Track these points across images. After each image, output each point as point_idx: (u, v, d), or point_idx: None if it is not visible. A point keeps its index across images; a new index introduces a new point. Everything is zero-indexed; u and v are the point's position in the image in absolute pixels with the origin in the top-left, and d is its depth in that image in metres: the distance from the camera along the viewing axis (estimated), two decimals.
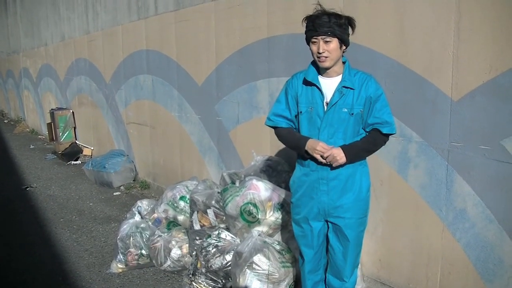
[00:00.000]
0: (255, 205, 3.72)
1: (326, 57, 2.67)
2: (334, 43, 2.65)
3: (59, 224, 5.78)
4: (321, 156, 2.73)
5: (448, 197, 3.09)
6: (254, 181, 3.83)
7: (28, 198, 6.99)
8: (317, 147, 2.72)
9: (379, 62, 3.41)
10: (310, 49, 2.75)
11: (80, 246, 5.06)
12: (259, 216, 3.72)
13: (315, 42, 2.68)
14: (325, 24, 2.61)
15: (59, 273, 4.42)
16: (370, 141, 2.82)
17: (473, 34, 2.84)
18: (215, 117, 5.37)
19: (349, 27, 2.73)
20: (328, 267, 3.10)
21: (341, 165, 2.76)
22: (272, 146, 4.52)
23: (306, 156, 2.82)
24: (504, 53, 2.69)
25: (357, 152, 2.79)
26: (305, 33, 2.74)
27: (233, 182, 4.12)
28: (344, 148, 2.73)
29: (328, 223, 2.95)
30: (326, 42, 2.65)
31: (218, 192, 4.11)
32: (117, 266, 4.45)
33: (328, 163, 2.74)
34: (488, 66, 2.77)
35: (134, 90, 7.35)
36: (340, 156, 2.70)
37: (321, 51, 2.65)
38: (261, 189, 3.77)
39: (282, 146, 4.30)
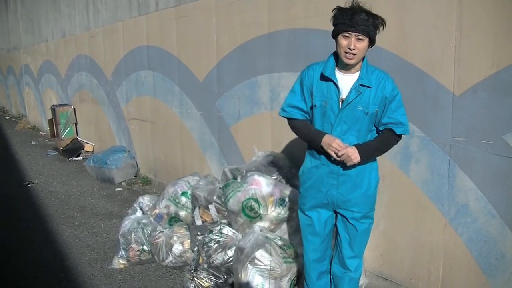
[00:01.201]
0: (256, 201, 3.72)
1: (354, 54, 2.62)
2: (366, 42, 2.61)
3: (60, 220, 5.78)
4: (335, 154, 2.71)
5: (450, 192, 3.09)
6: (256, 177, 3.83)
7: (30, 195, 7.00)
8: (333, 144, 2.70)
9: (381, 56, 3.40)
10: (337, 41, 2.67)
11: (81, 242, 5.07)
12: (261, 212, 3.72)
13: (347, 36, 2.60)
14: (363, 22, 2.56)
15: (60, 269, 4.42)
16: (383, 142, 2.82)
17: (475, 29, 2.83)
18: (216, 112, 5.36)
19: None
20: (334, 257, 3.14)
21: (354, 165, 2.76)
22: (273, 141, 4.51)
23: (320, 150, 2.80)
24: (506, 48, 2.69)
25: (372, 152, 2.80)
26: (336, 24, 2.65)
27: (235, 178, 4.12)
28: (358, 147, 2.71)
29: (338, 214, 2.98)
30: (359, 39, 2.59)
31: (220, 188, 4.11)
32: (119, 262, 4.46)
33: (342, 161, 2.73)
34: (490, 61, 2.76)
35: (135, 86, 7.35)
36: (354, 156, 2.68)
37: (352, 47, 2.59)
38: (263, 185, 3.77)
39: (283, 141, 4.30)
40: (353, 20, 2.55)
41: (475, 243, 2.99)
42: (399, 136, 2.85)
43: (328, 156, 2.78)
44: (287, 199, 3.73)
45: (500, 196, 2.83)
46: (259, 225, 3.74)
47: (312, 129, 2.86)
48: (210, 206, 4.11)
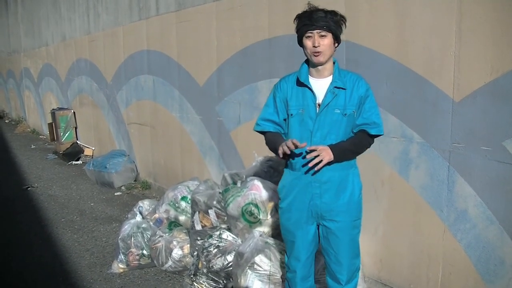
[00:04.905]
0: (256, 206, 3.72)
1: (321, 51, 2.65)
2: (329, 38, 2.65)
3: (60, 224, 5.78)
4: (306, 152, 2.67)
5: (449, 198, 3.09)
6: (256, 182, 3.84)
7: (29, 198, 7.00)
8: (288, 143, 2.61)
9: (380, 62, 3.42)
10: (303, 45, 2.74)
11: (81, 246, 5.07)
12: (261, 217, 3.72)
13: (310, 36, 2.67)
14: (321, 19, 2.62)
15: (60, 273, 4.42)
16: (356, 143, 2.78)
17: (474, 35, 2.85)
18: (216, 117, 5.37)
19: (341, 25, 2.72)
20: (326, 270, 3.01)
21: (328, 164, 2.68)
22: None
23: (281, 157, 2.73)
24: (506, 54, 2.70)
25: (344, 152, 2.73)
26: (298, 29, 2.73)
27: (235, 183, 4.12)
28: (331, 147, 2.68)
29: (321, 226, 2.88)
30: (322, 36, 2.64)
31: (220, 193, 4.11)
32: (118, 266, 4.46)
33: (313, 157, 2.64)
34: (489, 67, 2.77)
35: (135, 90, 7.36)
36: (327, 152, 2.64)
37: (316, 44, 2.64)
38: (263, 190, 3.77)
39: None
40: (312, 19, 2.64)
41: (474, 249, 2.99)
42: (372, 138, 2.83)
43: (304, 164, 2.74)
44: None
45: (499, 202, 2.83)
46: (258, 230, 3.74)
47: (277, 137, 2.84)
48: (209, 211, 4.11)
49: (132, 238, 4.53)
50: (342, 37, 3.61)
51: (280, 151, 2.66)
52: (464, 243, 3.04)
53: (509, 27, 2.68)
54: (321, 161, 2.64)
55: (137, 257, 4.47)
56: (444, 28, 3.00)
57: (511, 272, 2.81)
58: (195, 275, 3.93)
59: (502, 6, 2.71)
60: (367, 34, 3.51)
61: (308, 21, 2.65)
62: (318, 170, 2.70)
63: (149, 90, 6.89)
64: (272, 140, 2.87)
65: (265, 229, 3.74)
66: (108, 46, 8.27)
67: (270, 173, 4.14)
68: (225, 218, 4.01)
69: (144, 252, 4.49)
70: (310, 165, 2.68)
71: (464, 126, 2.96)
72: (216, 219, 4.08)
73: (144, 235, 4.57)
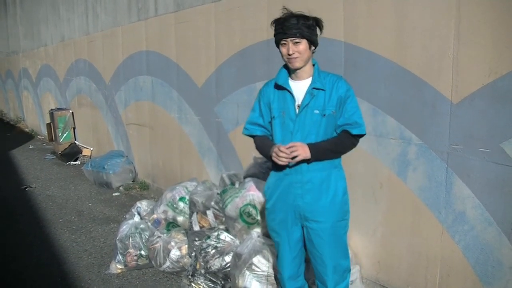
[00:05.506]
0: (254, 207, 3.73)
1: (296, 57, 2.70)
2: (303, 44, 2.69)
3: (58, 225, 5.78)
4: (278, 151, 2.70)
5: (448, 200, 3.10)
6: (254, 183, 3.84)
7: (27, 199, 6.99)
8: (275, 149, 2.72)
9: (379, 64, 3.42)
10: (280, 51, 2.77)
11: (79, 247, 5.06)
12: (259, 218, 3.72)
13: (284, 44, 2.71)
14: (293, 26, 2.65)
15: (58, 273, 4.42)
16: (337, 142, 2.80)
17: (473, 37, 2.85)
18: (214, 118, 5.37)
19: (317, 27, 2.76)
20: (315, 273, 3.00)
21: (306, 161, 2.73)
22: None
23: (274, 163, 2.82)
24: (504, 56, 2.70)
25: (323, 151, 2.74)
26: (274, 36, 2.77)
27: (233, 184, 4.12)
28: (309, 145, 2.70)
29: (304, 228, 2.89)
30: (296, 43, 2.68)
31: (218, 194, 4.11)
32: (116, 267, 4.45)
33: (290, 153, 2.67)
34: (488, 69, 2.78)
35: (134, 91, 7.36)
36: (304, 149, 2.67)
37: (291, 52, 2.68)
38: (261, 191, 3.77)
39: None
40: (284, 27, 2.67)
41: (472, 251, 2.99)
42: (356, 139, 2.84)
43: (281, 167, 2.80)
44: None
45: (497, 204, 2.83)
46: (256, 231, 3.74)
47: (266, 142, 2.92)
48: (208, 212, 4.11)
49: (130, 239, 4.52)
50: (341, 38, 3.65)
51: (277, 157, 2.72)
52: (462, 244, 3.05)
53: (508, 29, 2.69)
54: (296, 156, 2.67)
55: (135, 258, 4.47)
56: (443, 30, 3.00)
57: (509, 274, 2.82)
58: (193, 276, 3.93)
59: (501, 8, 2.72)
60: (366, 36, 3.51)
61: (281, 29, 2.70)
62: (294, 166, 2.76)
63: (148, 91, 6.89)
64: (261, 146, 2.96)
65: (263, 230, 3.74)
66: (107, 46, 8.27)
67: (268, 174, 4.14)
68: (223, 219, 4.01)
69: (142, 252, 4.49)
70: (283, 160, 2.70)
71: (462, 128, 2.96)
72: (214, 220, 4.08)
73: (142, 235, 4.57)
